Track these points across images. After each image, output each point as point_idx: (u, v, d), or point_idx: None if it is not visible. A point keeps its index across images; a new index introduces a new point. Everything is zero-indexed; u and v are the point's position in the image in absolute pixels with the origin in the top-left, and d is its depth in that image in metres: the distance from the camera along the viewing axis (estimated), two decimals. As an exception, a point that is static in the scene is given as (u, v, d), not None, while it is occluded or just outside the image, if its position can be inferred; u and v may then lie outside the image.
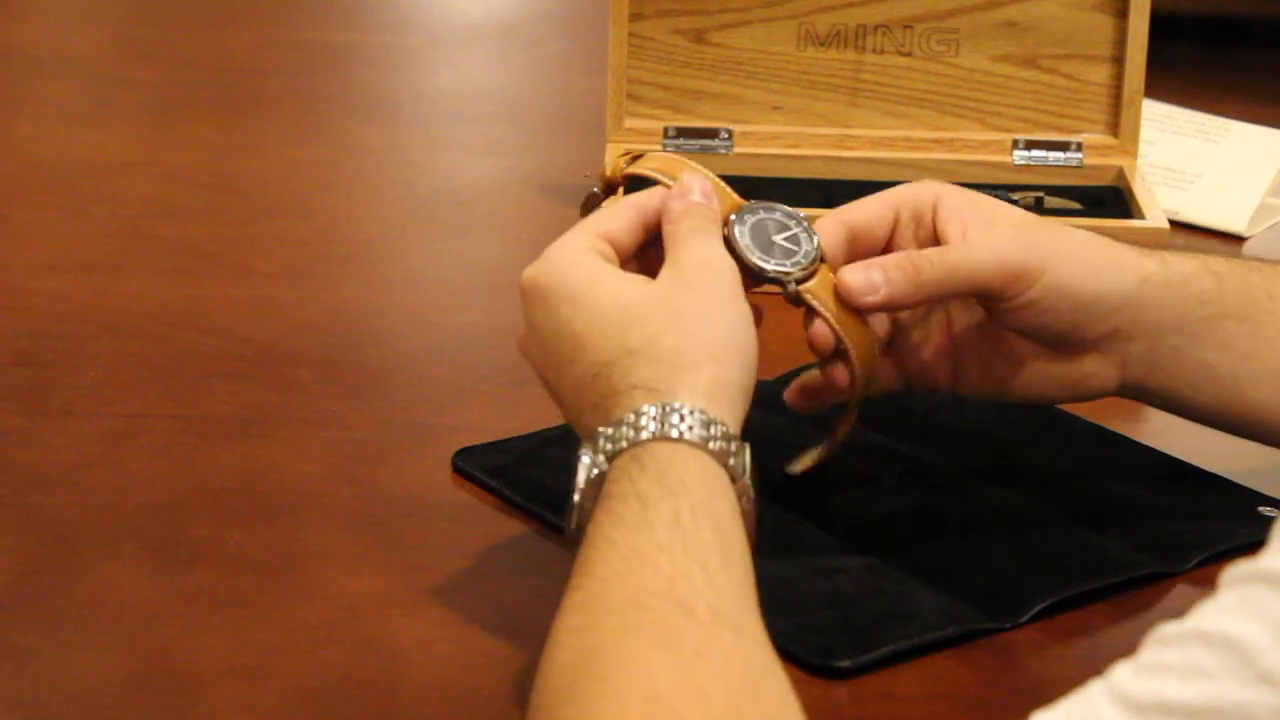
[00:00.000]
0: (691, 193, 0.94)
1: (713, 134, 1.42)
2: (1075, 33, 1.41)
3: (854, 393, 0.97)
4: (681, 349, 0.87)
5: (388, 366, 1.21)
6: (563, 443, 1.07)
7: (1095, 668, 0.70)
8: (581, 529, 0.84)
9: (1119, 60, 1.41)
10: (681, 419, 0.84)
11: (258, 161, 1.54)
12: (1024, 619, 0.94)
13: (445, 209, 1.45)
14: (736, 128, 1.42)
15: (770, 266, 0.94)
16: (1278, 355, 0.98)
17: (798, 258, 0.95)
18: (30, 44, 1.84)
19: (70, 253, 1.35)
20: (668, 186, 0.95)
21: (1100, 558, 0.98)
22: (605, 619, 0.77)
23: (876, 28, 1.42)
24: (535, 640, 0.80)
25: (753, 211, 0.96)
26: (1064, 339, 0.98)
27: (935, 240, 0.98)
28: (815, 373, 0.99)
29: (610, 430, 0.85)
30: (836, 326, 0.95)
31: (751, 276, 0.94)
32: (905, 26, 1.41)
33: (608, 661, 0.75)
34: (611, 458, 0.85)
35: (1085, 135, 1.42)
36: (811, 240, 0.96)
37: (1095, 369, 0.99)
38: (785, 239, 0.95)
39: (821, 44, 1.42)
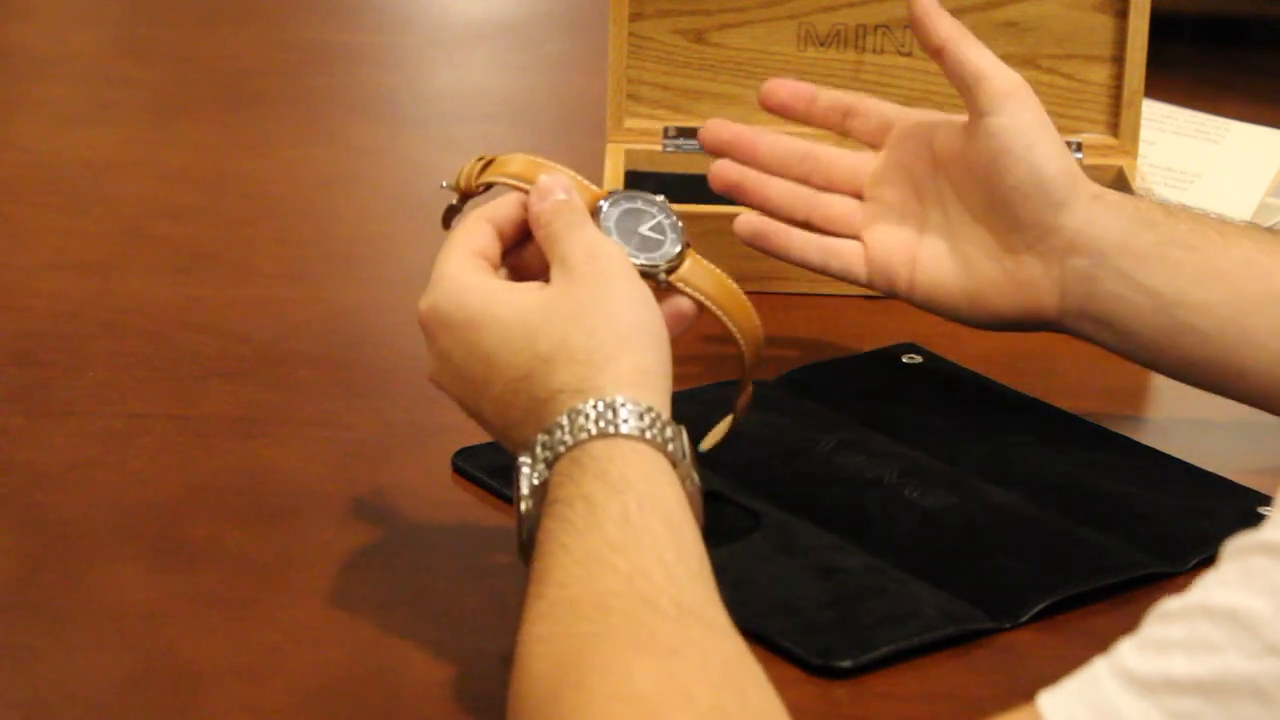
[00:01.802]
0: (553, 193, 0.94)
1: (713, 134, 1.41)
2: (1075, 33, 1.41)
3: (745, 367, 0.97)
4: (594, 345, 0.87)
5: (388, 366, 1.21)
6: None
7: (1095, 668, 0.70)
8: (534, 538, 0.84)
9: (1119, 60, 1.41)
10: (614, 413, 0.84)
11: (258, 161, 1.54)
12: (1024, 619, 0.94)
13: (445, 209, 1.45)
14: (736, 128, 1.42)
15: (641, 261, 0.94)
16: (1227, 285, 1.00)
17: (665, 248, 0.95)
18: (30, 44, 1.84)
19: (70, 253, 1.35)
20: (525, 191, 0.95)
21: (1100, 558, 0.98)
22: (574, 625, 0.77)
23: (876, 28, 1.41)
24: (535, 640, 0.80)
25: (615, 204, 0.95)
26: (1015, 203, 1.04)
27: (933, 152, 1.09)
28: None
29: (546, 437, 0.85)
30: (716, 310, 0.95)
31: None
32: (905, 26, 1.41)
33: (585, 668, 0.75)
34: (551, 464, 0.85)
35: (1085, 135, 1.42)
36: (676, 228, 0.96)
37: (1036, 275, 1.04)
38: (650, 229, 0.95)
39: (821, 44, 1.42)
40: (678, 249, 0.95)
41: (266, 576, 0.97)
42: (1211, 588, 0.66)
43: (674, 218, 0.96)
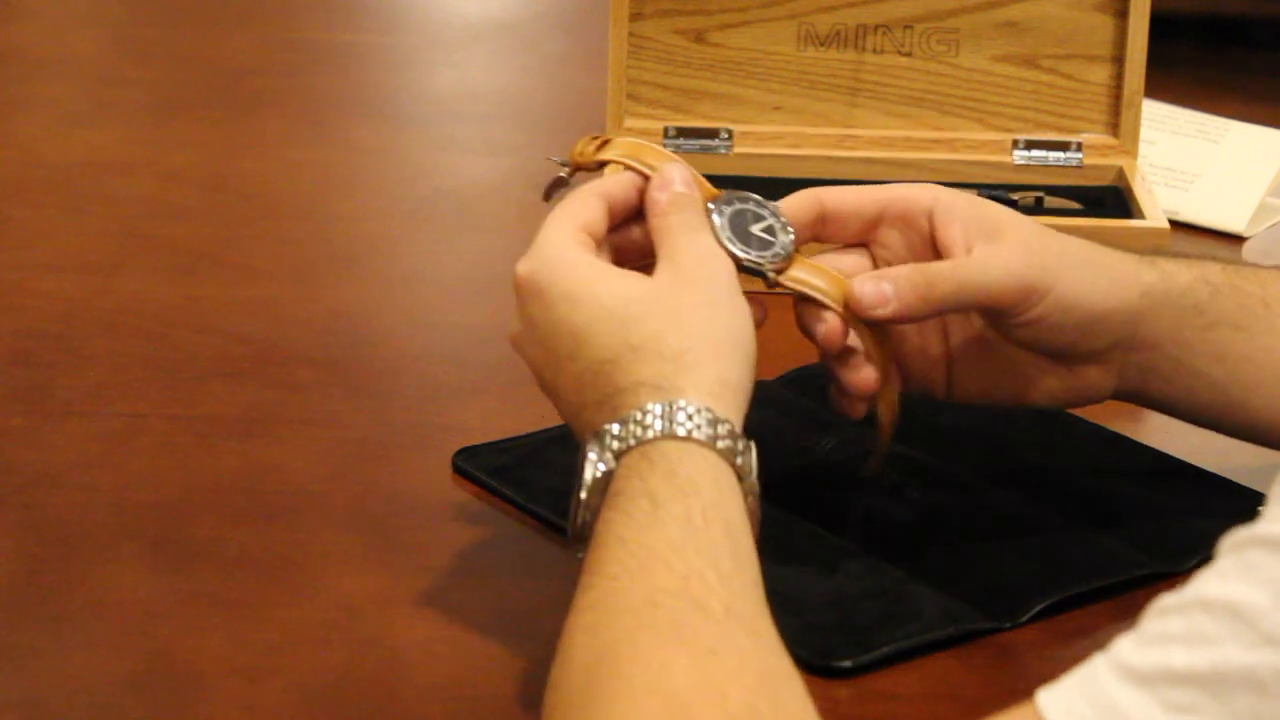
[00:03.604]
0: (674, 183, 0.93)
1: (713, 134, 1.42)
2: (1075, 33, 1.41)
3: (878, 363, 0.96)
4: (685, 346, 0.86)
5: (388, 366, 1.21)
6: (563, 443, 1.07)
7: (1095, 668, 0.70)
8: (587, 527, 0.84)
9: (1119, 60, 1.41)
10: (689, 417, 0.84)
11: (258, 161, 1.54)
12: (1024, 619, 0.94)
13: (445, 209, 1.45)
14: (736, 128, 1.42)
15: (750, 256, 0.94)
16: (1274, 361, 0.98)
17: (775, 249, 0.95)
18: (30, 44, 1.84)
19: (70, 253, 1.35)
20: (644, 175, 0.94)
21: (1100, 558, 0.98)
22: (620, 617, 0.77)
23: (876, 28, 1.42)
24: (535, 640, 0.80)
25: (729, 202, 0.95)
26: (1065, 353, 0.98)
27: (932, 246, 0.97)
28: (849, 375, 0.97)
29: (617, 428, 0.85)
30: (832, 305, 0.94)
31: None
32: (905, 26, 1.41)
33: (623, 659, 0.75)
34: (619, 455, 0.84)
35: (1085, 135, 1.42)
36: (786, 232, 0.95)
37: (1093, 379, 0.99)
38: (762, 230, 0.95)
39: (821, 44, 1.42)
40: (788, 251, 0.95)
41: (266, 576, 0.97)
42: (1209, 581, 0.66)
43: (786, 224, 0.96)
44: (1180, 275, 0.98)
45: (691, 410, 0.84)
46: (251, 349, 1.21)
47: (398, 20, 1.94)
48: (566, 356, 0.89)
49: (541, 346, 0.90)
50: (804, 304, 0.95)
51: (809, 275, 0.95)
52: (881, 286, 0.94)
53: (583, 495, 0.85)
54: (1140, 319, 0.97)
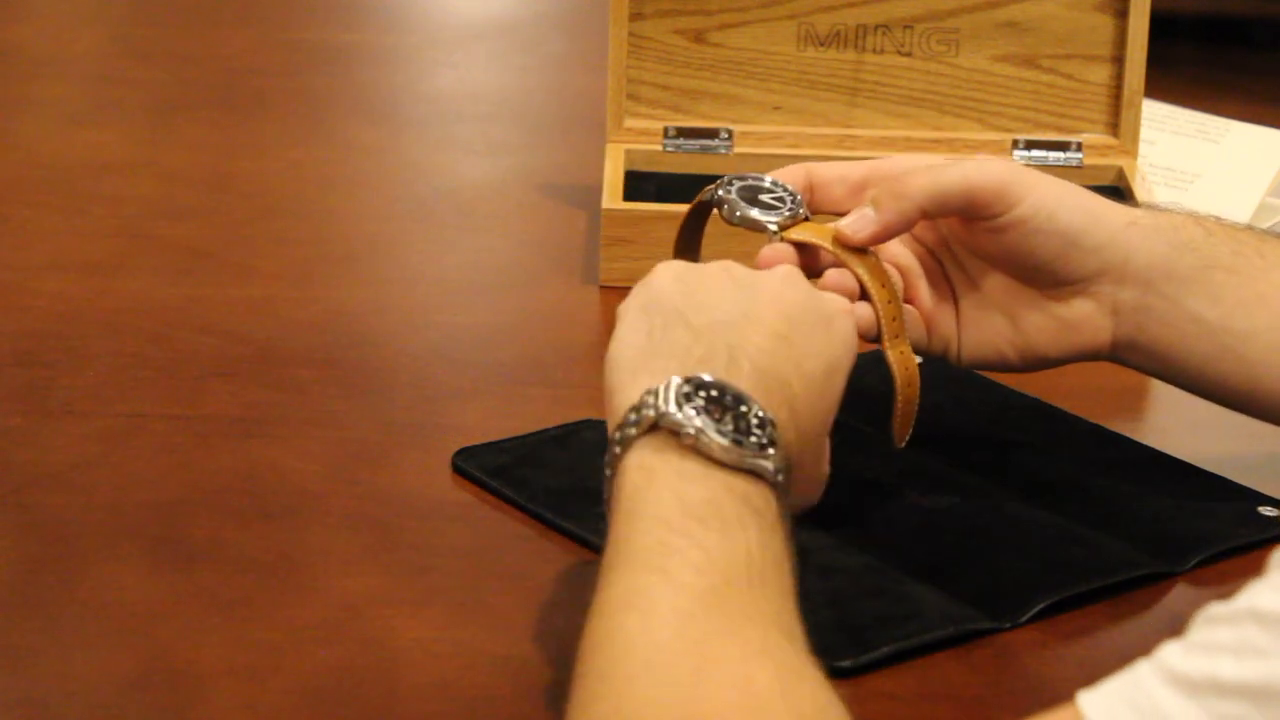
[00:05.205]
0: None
1: (713, 134, 1.42)
2: (1075, 33, 1.41)
3: (881, 325, 0.99)
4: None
5: (388, 366, 1.21)
6: (562, 443, 1.08)
7: (1095, 668, 0.70)
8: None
9: (1119, 60, 1.41)
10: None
11: (258, 161, 1.54)
12: (1024, 619, 0.94)
13: (445, 209, 1.45)
14: (736, 128, 1.42)
15: (754, 214, 1.00)
16: (1270, 311, 0.99)
17: (783, 211, 1.00)
18: (30, 44, 1.84)
19: (70, 253, 1.35)
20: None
21: (1100, 558, 0.98)
22: (714, 619, 0.76)
23: (876, 28, 1.42)
24: (536, 640, 0.79)
25: (741, 178, 1.02)
26: (1053, 269, 1.00)
27: None
28: None
29: (779, 464, 0.84)
30: (836, 251, 0.99)
31: (734, 224, 1.01)
32: (905, 26, 1.41)
33: (708, 656, 0.74)
34: (777, 477, 0.84)
35: (1085, 135, 1.42)
36: (796, 201, 1.01)
37: (1087, 314, 1.00)
38: (771, 199, 1.01)
39: (821, 44, 1.42)
40: (794, 214, 1.00)
41: (266, 576, 0.97)
42: (1261, 593, 0.65)
43: (797, 198, 1.01)
44: (1171, 215, 1.02)
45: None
46: (251, 349, 1.21)
47: (398, 20, 1.94)
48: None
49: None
50: (804, 254, 1.00)
51: (808, 231, 1.00)
52: (861, 211, 0.99)
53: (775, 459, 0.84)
54: (1129, 249, 0.99)
